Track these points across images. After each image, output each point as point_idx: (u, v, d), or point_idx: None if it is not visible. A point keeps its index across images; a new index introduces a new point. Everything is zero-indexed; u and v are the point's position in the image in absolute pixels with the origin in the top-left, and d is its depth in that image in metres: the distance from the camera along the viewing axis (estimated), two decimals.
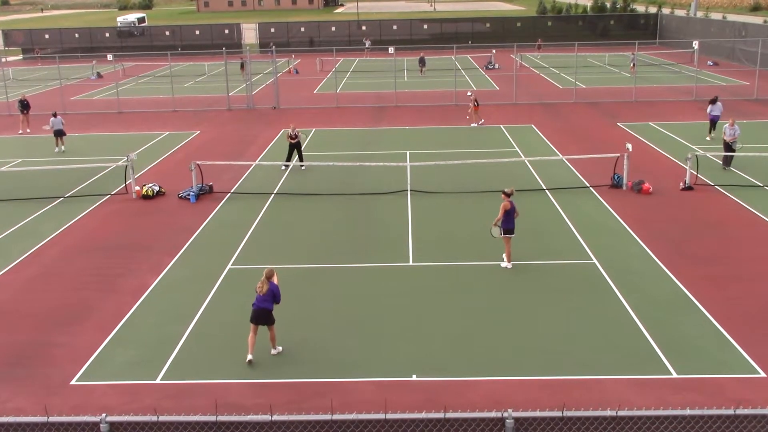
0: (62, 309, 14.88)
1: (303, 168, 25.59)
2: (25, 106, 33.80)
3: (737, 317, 13.81)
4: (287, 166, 25.52)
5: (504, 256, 16.45)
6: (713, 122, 28.87)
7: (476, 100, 33.06)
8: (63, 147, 29.53)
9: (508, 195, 16.11)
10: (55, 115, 29.73)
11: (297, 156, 25.61)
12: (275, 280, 12.61)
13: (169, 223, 20.26)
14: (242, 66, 54.01)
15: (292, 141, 25.44)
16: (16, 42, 74.57)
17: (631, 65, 49.95)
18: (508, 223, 16.00)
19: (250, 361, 12.46)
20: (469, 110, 33.37)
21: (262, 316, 12.47)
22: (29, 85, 50.55)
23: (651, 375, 11.86)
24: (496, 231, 16.20)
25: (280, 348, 12.83)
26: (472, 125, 32.74)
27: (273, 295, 12.48)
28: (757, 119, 32.17)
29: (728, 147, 24.18)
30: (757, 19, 71.19)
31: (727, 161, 24.23)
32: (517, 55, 47.90)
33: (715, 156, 25.12)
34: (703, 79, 45.00)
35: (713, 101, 28.88)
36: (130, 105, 40.58)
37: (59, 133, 29.45)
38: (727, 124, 24.40)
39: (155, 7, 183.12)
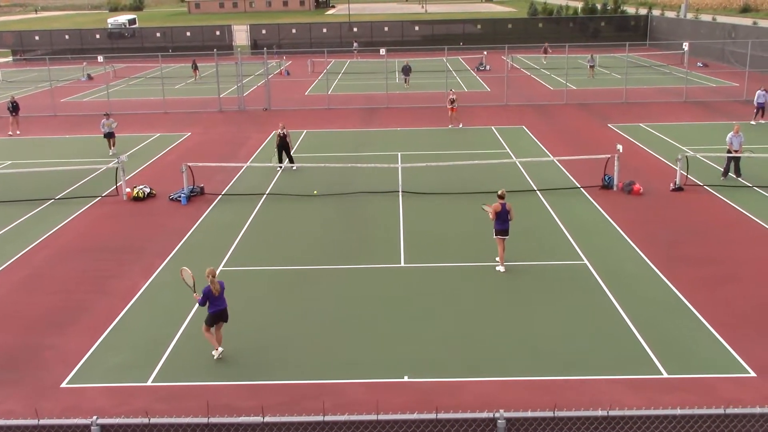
0: (53, 311, 14.82)
1: (294, 169, 25.57)
2: (14, 107, 33.67)
3: (727, 317, 13.87)
4: (281, 167, 25.48)
5: (497, 259, 16.46)
6: (760, 108, 32.33)
7: (453, 101, 32.84)
8: (114, 149, 28.89)
9: (499, 197, 16.13)
10: (107, 116, 29.31)
11: (287, 158, 25.57)
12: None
13: (160, 225, 20.21)
14: (194, 67, 53.36)
15: (281, 139, 25.33)
16: (6, 43, 74.18)
17: (589, 66, 50.12)
18: (500, 224, 16.01)
19: (219, 358, 12.65)
20: (451, 111, 33.00)
21: (224, 315, 12.69)
22: (19, 87, 50.34)
23: (642, 375, 11.90)
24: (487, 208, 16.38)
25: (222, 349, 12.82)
26: (449, 126, 32.64)
27: (223, 290, 12.64)
28: (746, 120, 32.34)
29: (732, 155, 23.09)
30: (746, 21, 71.61)
31: (730, 171, 23.20)
32: (509, 56, 47.97)
33: (704, 157, 25.24)
34: (693, 80, 45.22)
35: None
36: (120, 107, 40.43)
37: (110, 135, 28.94)
38: (732, 133, 23.10)
39: (146, 9, 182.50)
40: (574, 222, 19.51)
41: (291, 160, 25.68)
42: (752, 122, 32.10)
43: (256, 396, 11.55)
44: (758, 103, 32.28)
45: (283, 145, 25.48)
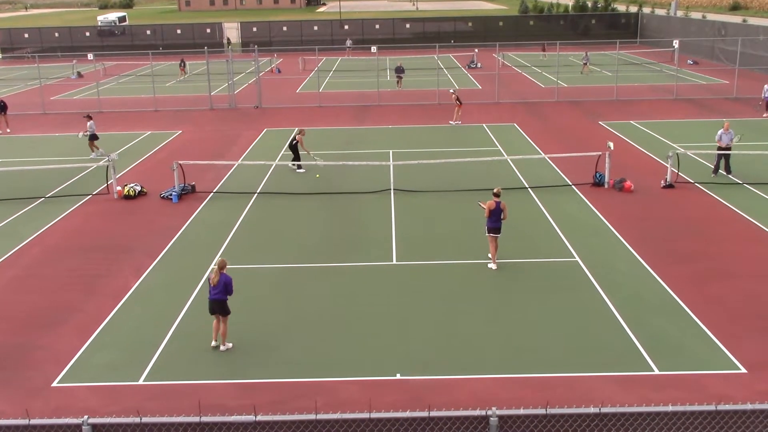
0: (43, 311, 14.74)
1: (292, 165, 25.31)
2: (1, 107, 33.45)
3: (718, 314, 13.93)
4: (300, 166, 25.28)
5: (489, 255, 16.48)
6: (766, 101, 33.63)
7: (458, 99, 33.01)
8: (99, 151, 27.79)
9: (495, 195, 16.08)
10: (89, 118, 28.25)
11: (294, 155, 25.35)
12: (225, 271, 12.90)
13: (151, 223, 20.13)
14: (182, 65, 52.97)
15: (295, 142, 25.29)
16: None
17: (583, 64, 50.31)
18: (492, 222, 16.00)
19: (214, 347, 13.01)
20: (458, 107, 33.09)
21: (217, 307, 12.80)
22: (8, 85, 50.05)
23: (633, 372, 11.94)
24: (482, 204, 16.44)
25: (230, 345, 13.06)
26: (452, 123, 32.80)
27: (225, 286, 12.73)
28: (736, 117, 32.48)
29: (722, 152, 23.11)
30: (736, 19, 71.87)
31: (720, 168, 23.19)
32: (500, 54, 47.98)
33: (695, 154, 25.32)
34: (684, 78, 45.38)
35: None
36: (111, 105, 40.27)
37: (94, 137, 27.88)
38: (722, 130, 23.15)
39: (136, 6, 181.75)
40: (566, 219, 19.54)
41: (295, 160, 25.38)
42: (765, 116, 33.04)
43: (249, 394, 11.53)
44: (766, 98, 33.32)
45: (294, 145, 25.31)
